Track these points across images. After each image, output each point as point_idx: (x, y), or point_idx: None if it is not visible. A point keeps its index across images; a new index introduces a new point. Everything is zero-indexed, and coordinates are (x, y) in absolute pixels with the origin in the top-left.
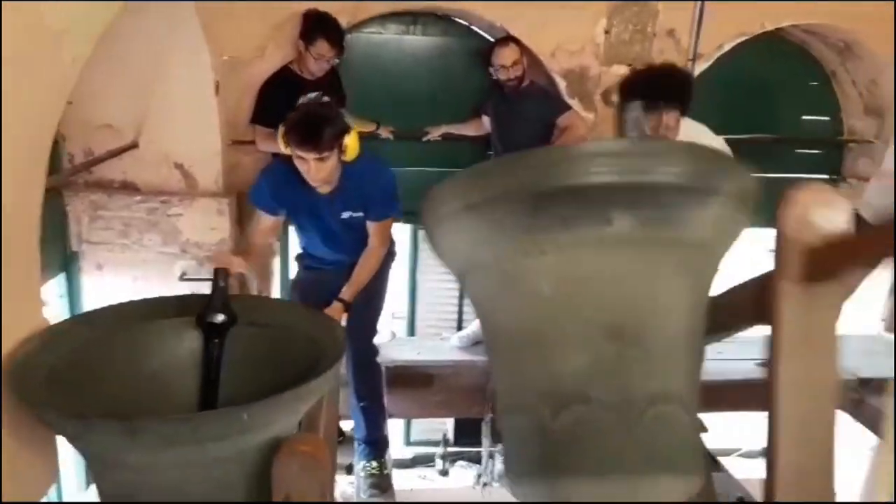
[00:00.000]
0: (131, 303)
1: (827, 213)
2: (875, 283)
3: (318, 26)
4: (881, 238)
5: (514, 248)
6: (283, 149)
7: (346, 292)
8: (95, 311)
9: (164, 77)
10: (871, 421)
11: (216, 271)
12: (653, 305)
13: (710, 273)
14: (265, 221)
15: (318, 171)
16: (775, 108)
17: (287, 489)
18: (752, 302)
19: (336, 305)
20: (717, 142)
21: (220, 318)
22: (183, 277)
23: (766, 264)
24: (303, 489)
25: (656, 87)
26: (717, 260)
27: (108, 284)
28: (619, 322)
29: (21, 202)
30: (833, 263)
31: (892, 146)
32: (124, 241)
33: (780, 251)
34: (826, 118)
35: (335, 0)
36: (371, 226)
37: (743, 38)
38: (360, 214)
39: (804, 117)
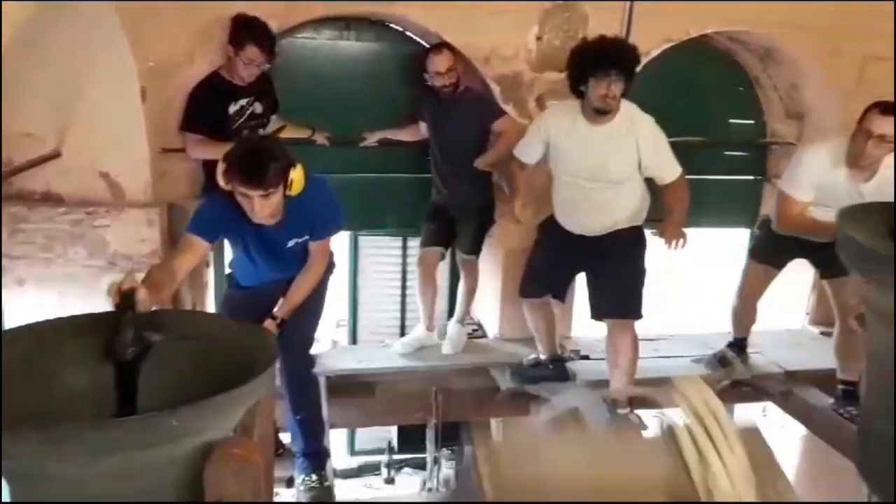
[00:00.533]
0: (48, 322)
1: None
2: (799, 280)
3: (247, 31)
4: None
5: None
6: (223, 185)
7: (282, 309)
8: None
9: (88, 84)
10: (799, 412)
11: (123, 295)
12: None
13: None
14: (196, 249)
15: (262, 207)
16: (703, 111)
17: (220, 493)
18: None
19: (269, 323)
20: (651, 129)
21: (130, 352)
22: (110, 292)
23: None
24: (236, 493)
25: (606, 55)
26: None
27: (30, 300)
28: None
29: None
30: None
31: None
32: (47, 254)
33: None
34: (751, 121)
35: (266, 0)
36: (312, 244)
37: (670, 45)
38: (306, 238)
39: (731, 121)
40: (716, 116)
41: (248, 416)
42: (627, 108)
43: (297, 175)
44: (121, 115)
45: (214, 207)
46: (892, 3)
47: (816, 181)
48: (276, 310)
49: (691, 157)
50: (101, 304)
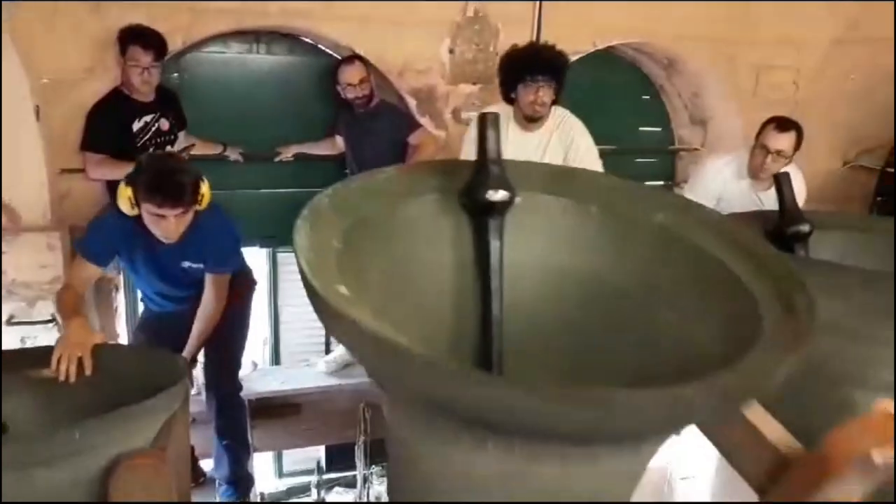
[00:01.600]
0: None
1: None
2: None
3: (130, 35)
4: None
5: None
6: (128, 211)
7: (188, 350)
8: None
9: None
10: None
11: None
12: (599, 497)
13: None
14: (90, 270)
15: (178, 226)
16: (614, 120)
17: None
18: None
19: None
20: (582, 134)
21: None
22: (11, 322)
23: None
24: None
25: (534, 61)
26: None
27: None
28: None
29: None
30: None
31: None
32: None
33: None
34: (659, 128)
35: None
36: (208, 277)
37: (578, 56)
38: (200, 265)
39: (640, 128)
40: (625, 125)
41: (161, 436)
42: (559, 114)
43: (205, 189)
44: (14, 136)
45: (107, 231)
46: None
47: (719, 192)
48: (184, 351)
49: (604, 164)
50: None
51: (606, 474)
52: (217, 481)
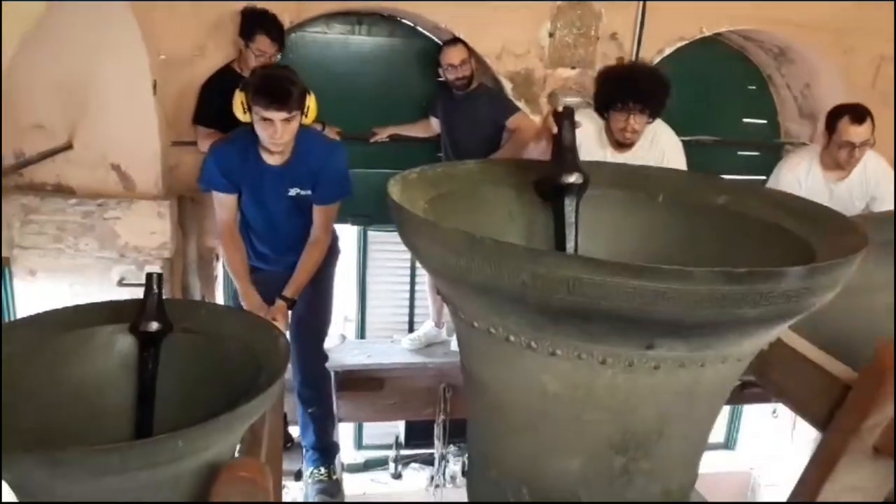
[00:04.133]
0: (58, 311)
1: None
2: None
3: (257, 22)
4: None
5: (521, 337)
6: (241, 116)
7: (290, 288)
8: (16, 322)
9: (100, 76)
10: None
11: (149, 276)
12: (668, 422)
13: (732, 382)
14: (225, 200)
15: (284, 132)
16: (716, 110)
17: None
18: None
19: (280, 304)
20: (674, 144)
21: (155, 326)
22: (122, 283)
23: None
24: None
25: (631, 88)
26: (741, 369)
27: (42, 291)
28: (628, 437)
29: None
30: None
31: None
32: (58, 245)
33: None
34: (764, 121)
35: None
36: (316, 210)
37: (683, 43)
38: (308, 192)
39: (744, 120)
40: (729, 116)
41: (258, 423)
42: (652, 131)
43: (312, 102)
44: (132, 108)
45: (217, 155)
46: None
47: (799, 192)
48: (284, 290)
49: (704, 156)
50: (112, 295)
51: (673, 389)
52: (304, 447)
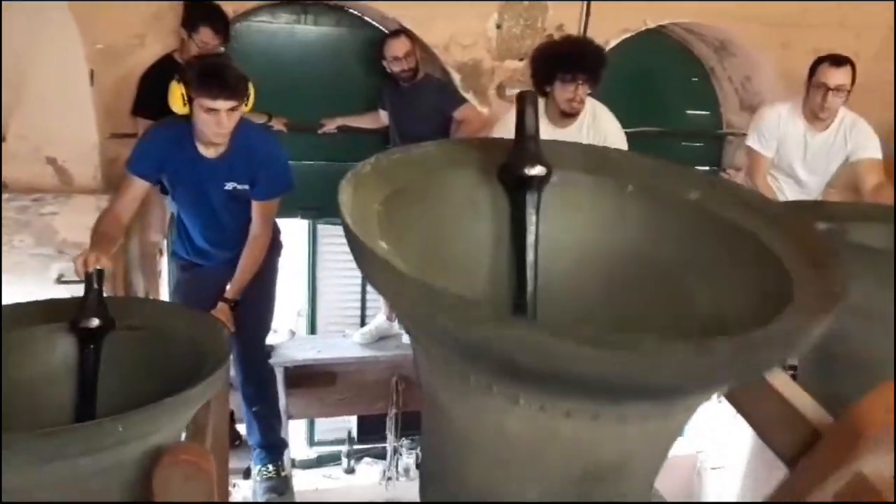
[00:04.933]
0: None
1: None
2: None
3: (200, 14)
4: None
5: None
6: (179, 109)
7: (232, 290)
8: None
9: (34, 67)
10: None
11: (88, 274)
12: (629, 460)
13: (690, 418)
14: (136, 189)
15: (229, 122)
16: (661, 102)
17: (169, 501)
18: None
19: (222, 307)
20: (616, 129)
21: (96, 322)
22: (60, 280)
23: None
24: (187, 500)
25: (575, 58)
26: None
27: None
28: (588, 473)
29: None
30: None
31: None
32: None
33: None
34: (707, 112)
35: None
36: (255, 206)
37: (628, 35)
38: (246, 187)
39: (688, 111)
40: (673, 107)
41: (202, 412)
42: (590, 106)
43: (251, 90)
44: (68, 100)
45: (154, 141)
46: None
47: (779, 136)
48: (226, 292)
49: (648, 147)
50: (50, 293)
51: (636, 437)
52: (251, 446)
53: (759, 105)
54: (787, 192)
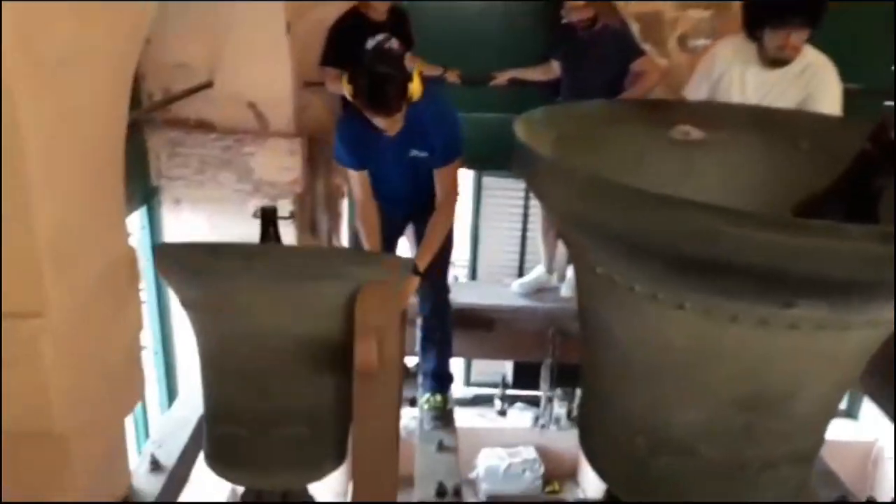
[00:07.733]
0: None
1: None
2: None
3: None
4: None
5: (646, 287)
6: (350, 97)
7: (422, 259)
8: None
9: (237, 18)
10: None
11: (264, 211)
12: (801, 384)
13: (875, 347)
14: (360, 176)
15: (392, 123)
16: (863, 60)
17: (368, 318)
18: None
19: (412, 279)
20: (830, 85)
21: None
22: (256, 215)
23: None
24: (382, 318)
25: (790, 3)
26: (886, 335)
27: (185, 219)
28: (755, 395)
29: (107, 135)
30: None
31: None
32: (200, 177)
33: None
34: None
35: None
36: (437, 174)
37: None
38: (425, 154)
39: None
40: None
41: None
42: (807, 59)
43: (414, 85)
44: (267, 49)
45: (342, 133)
46: None
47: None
48: (417, 260)
49: (856, 106)
50: (248, 225)
51: (810, 352)
52: (420, 376)
53: None
54: None
